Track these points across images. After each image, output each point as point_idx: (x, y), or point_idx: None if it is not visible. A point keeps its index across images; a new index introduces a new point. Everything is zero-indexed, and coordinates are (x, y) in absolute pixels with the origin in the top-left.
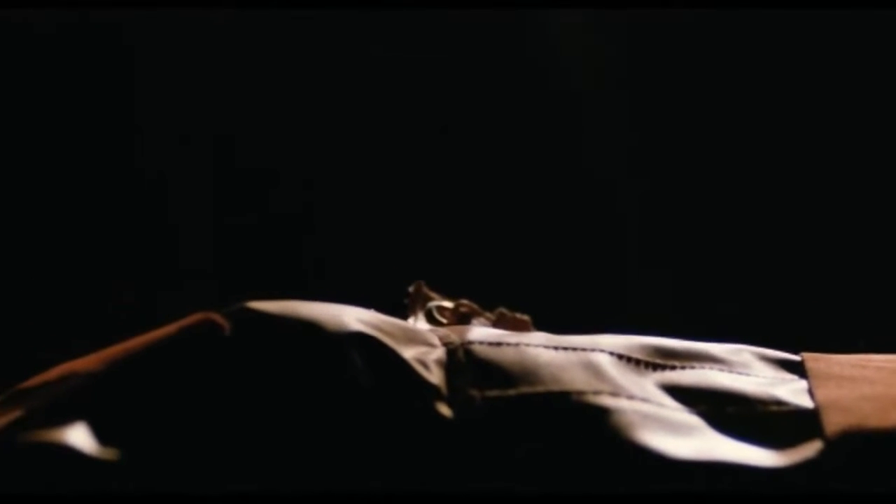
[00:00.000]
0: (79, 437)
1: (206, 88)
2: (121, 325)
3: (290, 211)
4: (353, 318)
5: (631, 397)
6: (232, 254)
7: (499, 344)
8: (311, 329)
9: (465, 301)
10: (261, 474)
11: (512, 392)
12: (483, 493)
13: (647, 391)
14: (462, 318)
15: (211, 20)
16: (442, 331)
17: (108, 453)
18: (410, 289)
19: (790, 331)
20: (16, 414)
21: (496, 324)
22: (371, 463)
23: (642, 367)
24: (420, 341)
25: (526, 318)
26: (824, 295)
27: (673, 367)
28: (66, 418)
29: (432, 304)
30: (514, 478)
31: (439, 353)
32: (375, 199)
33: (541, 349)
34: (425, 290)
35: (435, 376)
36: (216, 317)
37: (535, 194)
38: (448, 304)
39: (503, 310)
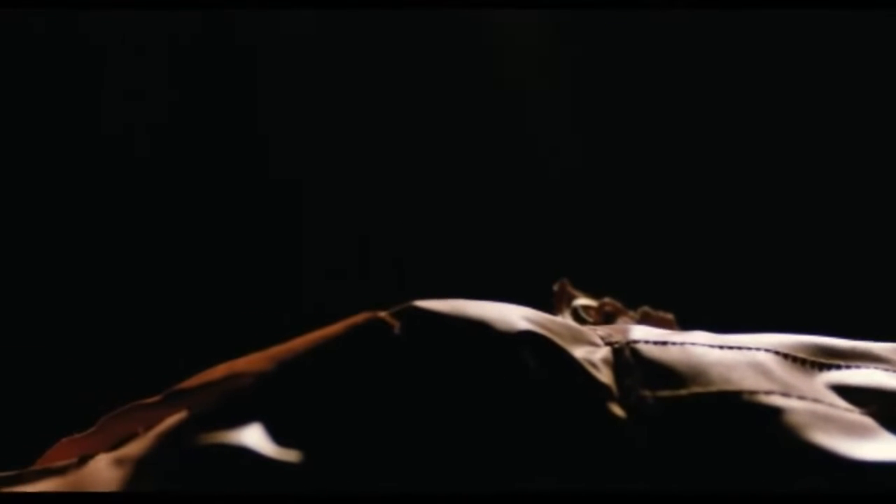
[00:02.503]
0: (254, 438)
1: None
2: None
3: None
4: (520, 316)
5: (802, 397)
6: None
7: (664, 343)
8: (482, 328)
9: (608, 299)
10: (432, 474)
11: (683, 392)
12: (656, 494)
13: (817, 391)
14: (607, 317)
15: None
16: (601, 329)
17: (284, 454)
18: (555, 287)
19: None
20: (182, 415)
21: (640, 322)
22: (544, 463)
23: (808, 366)
24: (584, 340)
25: (670, 316)
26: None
27: (838, 367)
28: (240, 419)
29: (577, 302)
30: (688, 478)
31: (604, 352)
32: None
33: (706, 348)
34: (569, 288)
35: (605, 376)
36: (385, 316)
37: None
38: (592, 302)
39: (647, 308)
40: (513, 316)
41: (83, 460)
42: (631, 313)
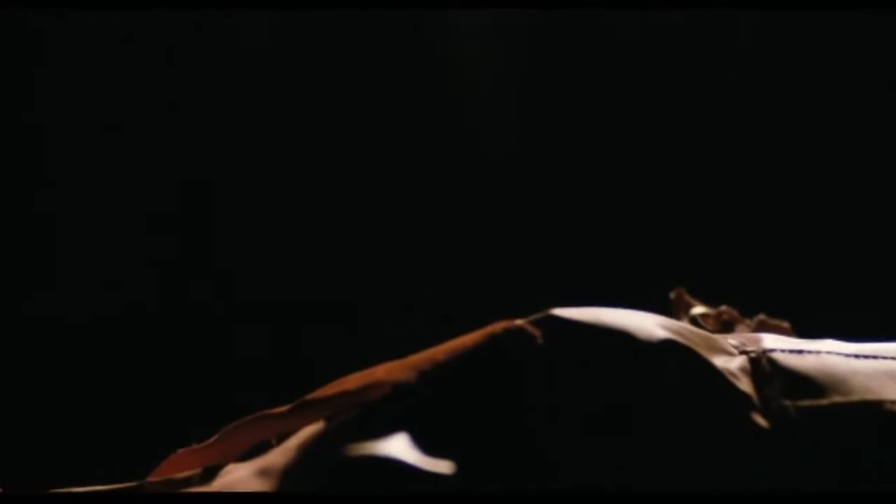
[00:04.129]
0: (401, 448)
1: None
2: None
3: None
4: (657, 324)
5: None
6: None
7: (800, 352)
8: (623, 337)
9: (725, 308)
10: (573, 480)
11: (824, 402)
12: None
13: None
14: (725, 325)
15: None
16: (731, 338)
17: (432, 464)
18: (671, 295)
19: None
20: (320, 425)
21: (757, 330)
22: (688, 471)
23: None
24: (718, 349)
25: (786, 324)
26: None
27: None
28: (385, 429)
29: (695, 311)
30: (830, 485)
31: (740, 360)
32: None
33: (841, 357)
34: (686, 296)
35: (744, 385)
36: (524, 324)
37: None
38: (710, 311)
39: (763, 316)
40: (651, 324)
41: (208, 472)
42: (747, 321)
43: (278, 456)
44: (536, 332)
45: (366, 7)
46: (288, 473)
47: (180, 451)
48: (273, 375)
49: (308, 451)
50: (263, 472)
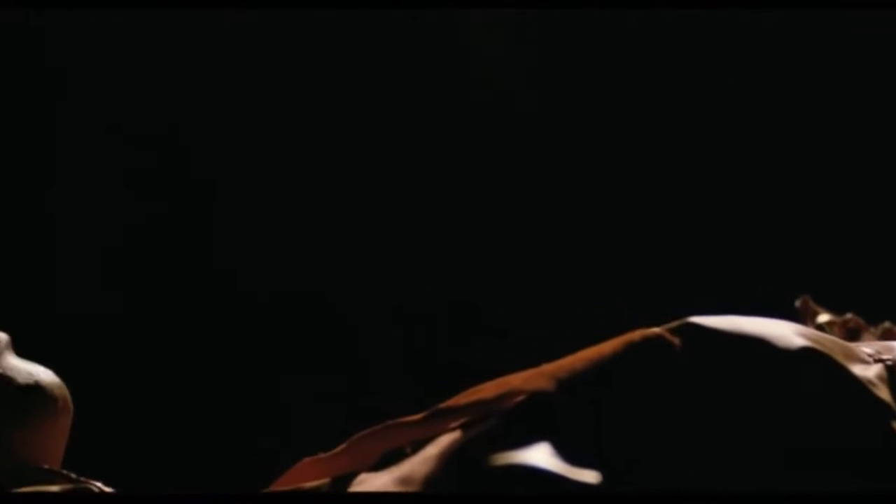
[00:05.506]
0: (546, 457)
1: None
2: None
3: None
4: (794, 332)
5: None
6: None
7: None
8: (762, 344)
9: (851, 315)
10: (716, 483)
11: None
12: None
13: None
14: (851, 333)
15: None
16: (864, 346)
17: (578, 473)
18: (797, 303)
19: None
20: (457, 434)
21: (882, 338)
22: (827, 474)
23: None
24: (855, 357)
25: None
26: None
27: None
28: (528, 438)
29: (821, 318)
30: None
31: (877, 368)
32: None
33: None
34: (812, 304)
35: (883, 393)
36: (663, 332)
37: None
38: (835, 318)
39: (889, 324)
40: (789, 332)
41: (338, 481)
42: (872, 329)
43: (420, 464)
44: (676, 340)
45: (376, 7)
46: (432, 482)
47: (306, 459)
48: (409, 381)
49: (452, 460)
50: (405, 481)
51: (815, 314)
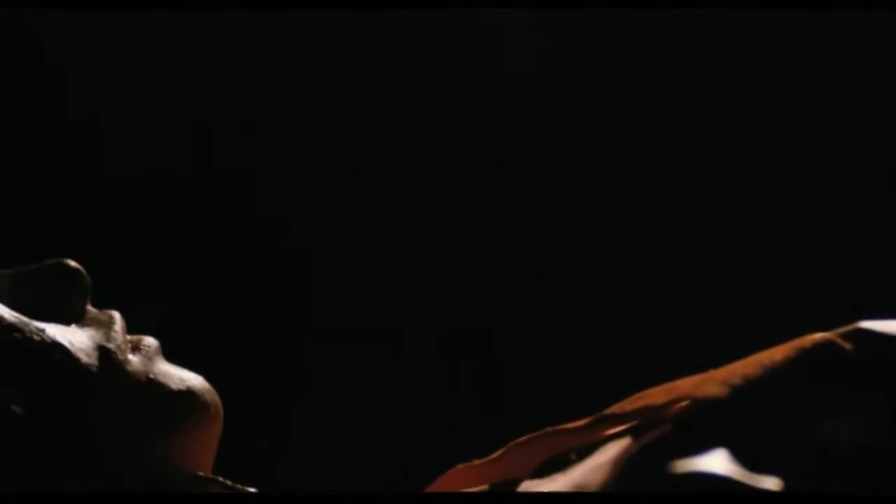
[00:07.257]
0: (725, 463)
1: None
2: None
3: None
4: None
5: None
6: None
7: None
8: None
9: None
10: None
11: None
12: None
13: None
14: None
15: None
16: None
17: (757, 480)
18: None
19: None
20: (628, 441)
21: None
22: None
23: None
24: None
25: None
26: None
27: None
28: (705, 444)
29: None
30: None
31: None
32: None
33: None
34: None
35: None
36: (834, 337)
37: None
38: None
39: None
40: None
41: (496, 488)
42: None
43: (592, 472)
44: (847, 345)
45: (375, 7)
46: (609, 488)
47: (459, 466)
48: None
49: (627, 467)
50: (580, 488)
51: None
